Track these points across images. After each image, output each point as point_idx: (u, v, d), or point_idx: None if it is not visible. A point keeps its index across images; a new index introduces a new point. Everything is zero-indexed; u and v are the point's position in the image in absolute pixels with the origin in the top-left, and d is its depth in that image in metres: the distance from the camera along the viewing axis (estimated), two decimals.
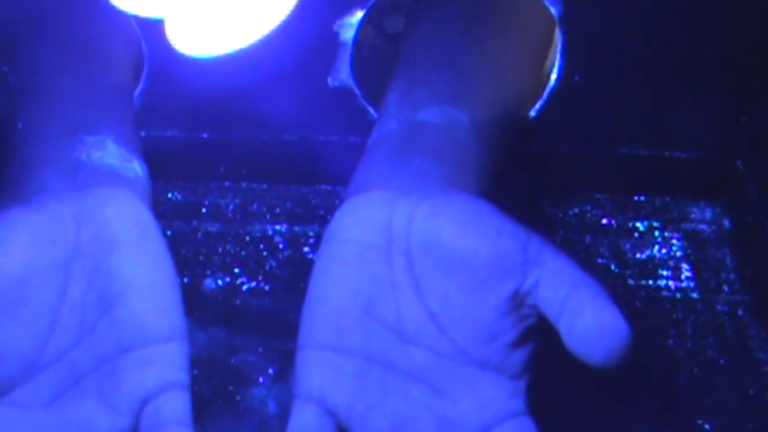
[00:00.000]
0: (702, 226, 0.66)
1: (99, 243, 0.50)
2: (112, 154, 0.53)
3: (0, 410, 0.48)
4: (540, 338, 0.50)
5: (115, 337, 0.49)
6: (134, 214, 0.51)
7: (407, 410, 0.49)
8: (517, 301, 0.49)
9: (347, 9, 0.60)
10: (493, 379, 0.49)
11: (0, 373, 0.48)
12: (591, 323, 0.47)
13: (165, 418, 0.48)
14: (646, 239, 0.65)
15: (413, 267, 0.50)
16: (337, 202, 0.63)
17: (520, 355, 0.49)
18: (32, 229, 0.50)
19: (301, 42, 0.60)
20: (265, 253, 0.63)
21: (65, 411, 0.48)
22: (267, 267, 0.62)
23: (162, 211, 0.64)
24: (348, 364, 0.49)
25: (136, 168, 0.54)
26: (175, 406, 0.48)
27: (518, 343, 0.49)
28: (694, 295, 0.62)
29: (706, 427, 0.55)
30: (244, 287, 0.61)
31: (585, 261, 0.63)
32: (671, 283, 0.62)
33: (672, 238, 0.65)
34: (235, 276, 0.61)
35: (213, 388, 0.55)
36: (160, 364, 0.49)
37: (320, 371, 0.50)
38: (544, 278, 0.49)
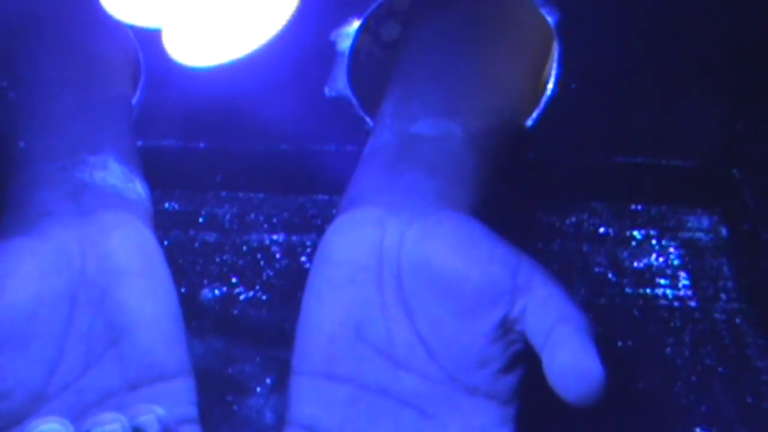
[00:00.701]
0: (699, 235, 0.66)
1: (105, 273, 0.50)
2: (115, 173, 0.53)
3: None
4: (529, 362, 0.50)
5: (123, 371, 0.49)
6: (139, 242, 0.51)
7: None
8: (506, 328, 0.49)
9: (344, 18, 0.60)
10: (483, 405, 0.49)
11: (10, 406, 0.48)
12: (567, 362, 0.47)
13: None
14: (643, 248, 0.65)
15: (403, 290, 0.50)
16: (334, 211, 0.63)
17: (509, 381, 0.49)
18: (38, 259, 0.49)
19: (298, 51, 0.60)
20: (262, 263, 0.63)
21: None
22: (264, 277, 0.62)
23: (159, 220, 0.64)
24: (339, 391, 0.50)
25: (138, 188, 0.54)
26: None
27: (507, 368, 0.49)
28: (692, 303, 0.62)
29: None
30: (242, 297, 0.61)
31: (582, 270, 0.63)
32: (669, 291, 0.62)
33: (669, 246, 0.65)
34: (232, 286, 0.61)
35: (210, 399, 0.55)
36: (170, 401, 0.49)
37: (312, 399, 0.50)
38: (532, 307, 0.49)
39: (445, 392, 0.49)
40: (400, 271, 0.50)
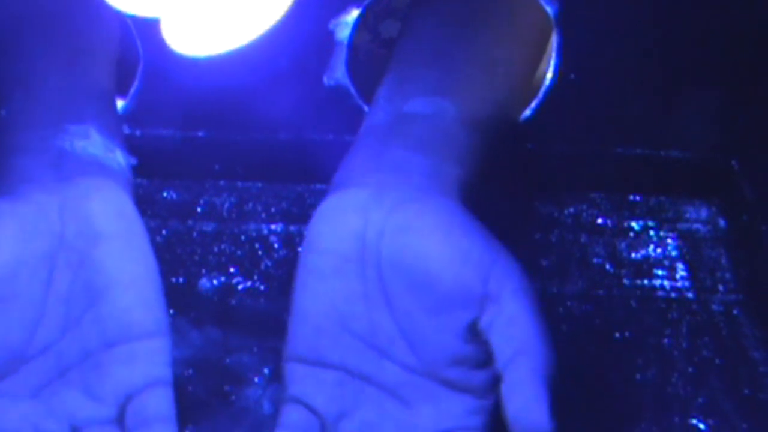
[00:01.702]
0: (697, 226, 0.66)
1: (84, 236, 0.50)
2: (96, 143, 0.53)
3: None
4: None
5: (101, 331, 0.50)
6: (118, 206, 0.52)
7: (375, 419, 0.50)
8: (474, 331, 0.50)
9: (343, 8, 0.60)
10: (458, 397, 0.50)
11: None
12: (519, 412, 0.48)
13: (150, 414, 0.49)
14: (641, 239, 0.65)
15: (383, 281, 0.51)
16: None
17: (483, 376, 0.50)
18: (18, 221, 0.50)
19: (297, 41, 0.60)
20: (260, 253, 0.63)
21: (51, 401, 0.49)
22: (262, 266, 0.62)
23: (157, 210, 0.64)
24: (328, 375, 0.51)
25: (119, 158, 0.54)
26: (160, 402, 0.49)
27: (481, 365, 0.50)
28: (689, 294, 0.62)
29: (701, 426, 0.56)
30: (240, 287, 0.61)
31: (580, 261, 0.63)
32: (666, 282, 0.62)
33: (667, 237, 0.65)
34: (230, 275, 0.61)
35: (208, 388, 0.55)
36: (145, 360, 0.50)
37: (304, 381, 0.51)
38: (498, 324, 0.49)
39: (424, 383, 0.50)
40: (380, 262, 0.51)
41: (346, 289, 0.51)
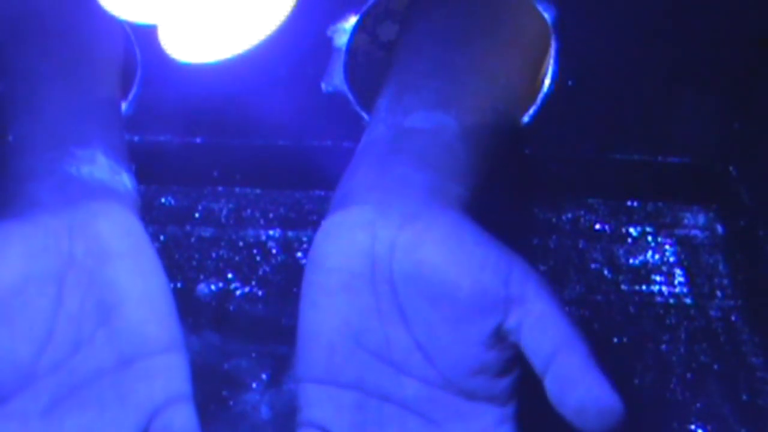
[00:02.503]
0: (695, 232, 0.66)
1: (93, 255, 0.50)
2: (102, 167, 0.53)
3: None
4: (524, 363, 0.50)
5: (115, 348, 0.49)
6: (126, 226, 0.51)
7: None
8: (500, 336, 0.50)
9: (341, 15, 0.60)
10: (482, 408, 0.50)
11: None
12: (587, 401, 0.47)
13: (176, 430, 0.48)
14: (639, 244, 0.65)
15: (397, 296, 0.50)
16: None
17: (505, 383, 0.50)
18: (26, 241, 0.50)
19: (295, 47, 0.60)
20: (258, 258, 0.63)
21: (65, 420, 0.48)
22: (260, 272, 0.62)
23: (155, 215, 0.64)
24: (346, 396, 0.50)
25: (125, 181, 0.54)
26: (184, 418, 0.48)
27: (503, 372, 0.50)
28: (687, 300, 0.62)
29: (700, 431, 0.56)
30: (238, 292, 0.61)
31: (578, 266, 0.63)
32: (664, 288, 0.62)
33: (665, 243, 0.65)
34: (229, 281, 0.61)
35: (206, 394, 0.55)
36: (164, 376, 0.49)
37: (320, 404, 0.50)
38: (528, 323, 0.49)
39: (445, 397, 0.50)
40: (393, 277, 0.50)
41: (357, 304, 0.50)
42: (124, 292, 0.50)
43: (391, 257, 0.50)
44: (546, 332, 0.49)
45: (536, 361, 0.49)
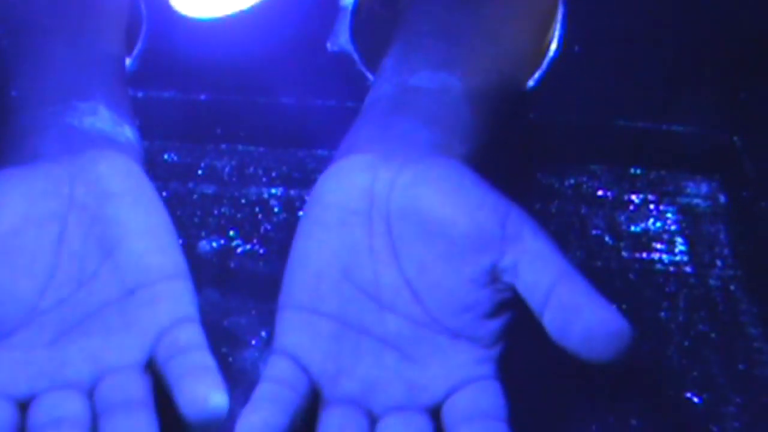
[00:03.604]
0: (697, 201, 0.66)
1: (94, 195, 0.50)
2: (104, 119, 0.53)
3: (4, 354, 0.48)
4: (516, 310, 0.50)
5: (119, 279, 0.49)
6: (126, 168, 0.52)
7: (377, 375, 0.49)
8: (494, 276, 0.49)
9: None
10: (465, 347, 0.49)
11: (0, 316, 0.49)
12: (593, 327, 0.47)
13: (182, 345, 0.48)
14: (640, 212, 0.65)
15: (392, 233, 0.50)
16: None
17: (493, 326, 0.50)
18: (26, 185, 0.50)
19: (301, 6, 0.60)
20: (260, 216, 0.63)
21: (69, 349, 0.48)
22: (262, 230, 0.62)
23: (158, 172, 0.64)
24: (324, 326, 0.50)
25: (127, 133, 0.54)
26: (191, 335, 0.48)
27: (492, 314, 0.50)
28: (687, 269, 0.62)
29: (695, 400, 0.56)
30: (239, 250, 0.61)
31: (579, 232, 0.63)
32: (665, 256, 0.62)
33: (667, 211, 0.65)
34: (230, 238, 0.61)
35: None
36: (169, 301, 0.49)
37: (297, 331, 0.50)
38: (524, 261, 0.49)
39: (429, 334, 0.50)
40: (389, 215, 0.50)
41: (350, 240, 0.50)
42: (125, 226, 0.50)
43: (389, 195, 0.50)
44: (542, 268, 0.49)
45: (533, 297, 0.48)
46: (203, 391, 0.46)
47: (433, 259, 0.50)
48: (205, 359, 0.48)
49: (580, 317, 0.47)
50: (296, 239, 0.52)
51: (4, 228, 0.49)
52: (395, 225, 0.50)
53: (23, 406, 0.47)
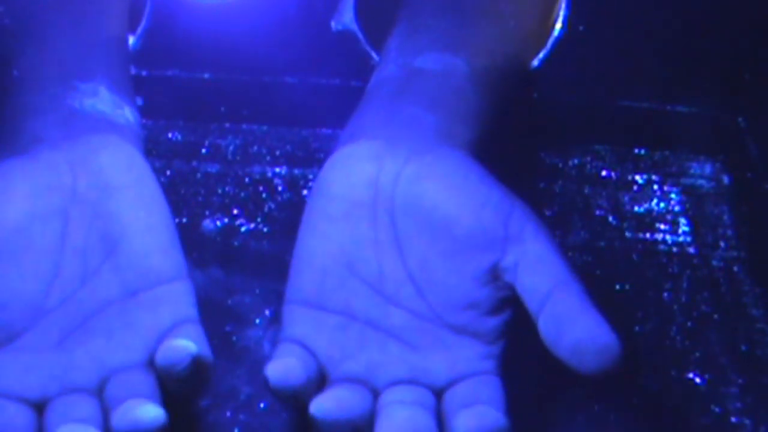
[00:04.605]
0: (701, 182, 0.66)
1: (95, 188, 0.50)
2: (105, 100, 0.53)
3: (10, 357, 0.49)
4: (516, 306, 0.50)
5: (121, 279, 0.50)
6: (128, 159, 0.52)
7: (381, 359, 0.50)
8: (495, 274, 0.50)
9: None
10: (467, 342, 0.50)
11: (6, 319, 0.49)
12: (583, 339, 0.47)
13: (181, 345, 0.48)
14: (644, 192, 0.65)
15: (396, 227, 0.50)
16: None
17: (495, 323, 0.50)
18: (29, 178, 0.50)
19: None
20: (264, 195, 0.63)
21: (75, 351, 0.49)
22: (266, 209, 0.62)
23: (161, 150, 0.64)
24: (330, 319, 0.50)
25: (128, 114, 0.54)
26: (190, 335, 0.49)
27: (494, 311, 0.50)
28: (691, 249, 0.62)
29: (697, 380, 0.56)
30: (243, 228, 0.61)
31: (583, 212, 0.63)
32: (668, 236, 0.62)
33: (671, 192, 0.65)
34: (234, 217, 0.61)
35: (209, 329, 0.55)
36: (170, 303, 0.49)
37: (303, 323, 0.51)
38: (524, 263, 0.49)
39: (431, 328, 0.50)
40: (394, 209, 0.50)
41: (355, 233, 0.51)
42: (127, 224, 0.50)
43: (394, 189, 0.50)
44: (542, 272, 0.49)
45: (530, 301, 0.49)
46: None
47: (436, 255, 0.50)
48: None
49: (571, 329, 0.47)
50: (301, 231, 0.52)
51: (9, 226, 0.49)
52: (399, 219, 0.50)
53: (36, 407, 0.48)
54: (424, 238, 0.50)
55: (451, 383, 0.49)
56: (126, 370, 0.48)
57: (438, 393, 0.49)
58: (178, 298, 0.50)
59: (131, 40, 0.62)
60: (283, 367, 0.48)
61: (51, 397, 0.48)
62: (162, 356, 0.47)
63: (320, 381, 0.50)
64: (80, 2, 0.56)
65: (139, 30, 0.62)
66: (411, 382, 0.49)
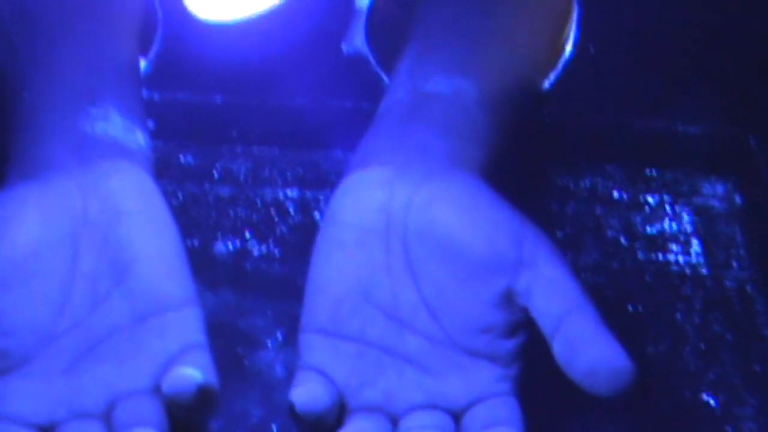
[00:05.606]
0: (713, 202, 0.65)
1: (106, 214, 0.50)
2: (116, 125, 0.53)
3: (20, 383, 0.49)
4: (530, 329, 0.50)
5: (130, 305, 0.50)
6: (138, 184, 0.52)
7: (399, 385, 0.50)
8: (508, 298, 0.50)
9: None
10: (483, 365, 0.50)
11: (16, 345, 0.49)
12: (597, 362, 0.48)
13: (187, 373, 0.48)
14: (656, 213, 0.65)
15: (409, 253, 0.51)
16: None
17: (510, 345, 0.50)
18: (40, 204, 0.50)
19: (316, 8, 0.60)
20: (275, 218, 0.63)
21: (83, 377, 0.49)
22: (277, 232, 0.62)
23: (173, 173, 0.64)
24: (347, 347, 0.50)
25: (139, 138, 0.54)
26: (197, 361, 0.49)
27: (508, 334, 0.50)
28: (703, 270, 0.62)
29: (711, 401, 0.56)
30: (254, 251, 0.61)
31: (595, 233, 0.63)
32: (680, 257, 0.62)
33: (682, 212, 0.65)
34: (246, 240, 0.62)
35: (221, 351, 0.55)
36: (178, 329, 0.49)
37: (321, 351, 0.51)
38: (537, 286, 0.50)
39: (447, 353, 0.50)
40: (407, 234, 0.51)
41: (368, 260, 0.51)
42: (137, 250, 0.50)
43: (406, 214, 0.51)
44: (555, 295, 0.49)
45: (545, 324, 0.49)
46: None
47: (450, 280, 0.50)
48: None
49: (586, 352, 0.48)
50: (314, 259, 0.52)
51: (21, 252, 0.50)
52: (412, 245, 0.50)
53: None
54: (438, 263, 0.50)
55: (469, 406, 0.49)
56: (133, 395, 0.48)
57: (456, 416, 0.49)
58: (186, 324, 0.50)
59: (143, 63, 0.62)
60: (308, 393, 0.49)
61: (59, 422, 0.48)
62: (168, 384, 0.47)
63: (340, 408, 0.50)
64: (91, 26, 0.56)
65: (152, 53, 0.62)
66: (429, 406, 0.49)
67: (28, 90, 0.54)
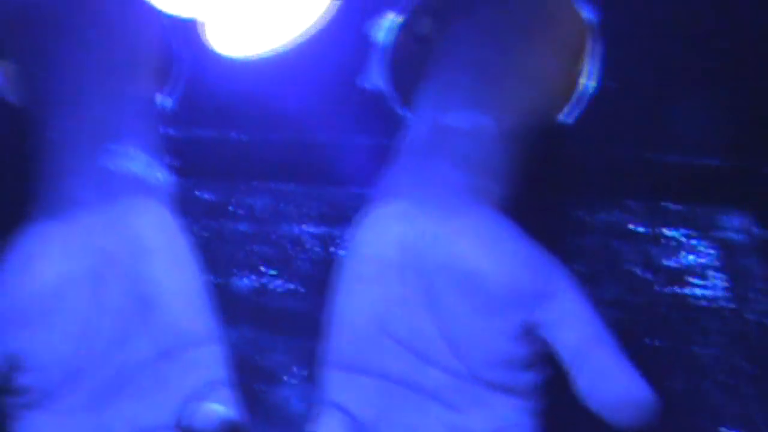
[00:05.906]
0: (731, 234, 0.65)
1: (129, 250, 0.51)
2: (137, 161, 0.54)
3: (44, 418, 0.49)
4: (550, 361, 0.50)
5: (153, 342, 0.50)
6: (160, 220, 0.52)
7: (421, 421, 0.50)
8: (528, 330, 0.50)
9: (380, 11, 0.61)
10: (504, 399, 0.50)
11: (40, 381, 0.50)
12: (619, 394, 0.48)
13: (211, 409, 0.49)
14: (674, 246, 0.65)
15: (429, 286, 0.51)
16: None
17: (530, 377, 0.51)
18: (63, 240, 0.51)
19: (334, 44, 0.60)
20: (293, 254, 0.63)
21: (107, 413, 0.49)
22: (296, 267, 0.62)
23: (191, 209, 0.65)
24: (368, 383, 0.51)
25: (159, 174, 0.55)
26: (220, 398, 0.49)
27: (529, 366, 0.50)
28: (722, 303, 0.62)
29: None
30: (273, 287, 0.61)
31: (612, 267, 0.63)
32: (699, 290, 0.62)
33: (700, 245, 0.65)
34: (264, 276, 0.62)
35: (241, 387, 0.55)
36: (202, 366, 0.50)
37: (345, 389, 0.51)
38: (557, 319, 0.50)
39: (467, 386, 0.50)
40: (426, 268, 0.51)
41: (388, 294, 0.51)
42: (160, 286, 0.51)
43: (425, 248, 0.51)
44: (575, 328, 0.50)
45: (565, 357, 0.50)
46: None
47: (470, 313, 0.50)
48: None
49: (608, 384, 0.49)
50: (336, 294, 0.52)
51: (44, 289, 0.50)
52: (432, 278, 0.51)
53: None
54: (458, 297, 0.50)
55: None
56: (156, 430, 0.49)
57: None
58: (209, 361, 0.50)
59: (163, 99, 0.63)
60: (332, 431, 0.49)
61: None
62: (190, 419, 0.48)
63: None
64: (110, 65, 0.57)
65: (169, 90, 0.63)
66: None
67: (50, 129, 0.55)
